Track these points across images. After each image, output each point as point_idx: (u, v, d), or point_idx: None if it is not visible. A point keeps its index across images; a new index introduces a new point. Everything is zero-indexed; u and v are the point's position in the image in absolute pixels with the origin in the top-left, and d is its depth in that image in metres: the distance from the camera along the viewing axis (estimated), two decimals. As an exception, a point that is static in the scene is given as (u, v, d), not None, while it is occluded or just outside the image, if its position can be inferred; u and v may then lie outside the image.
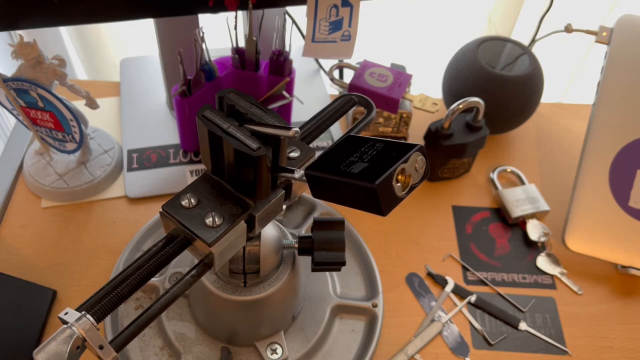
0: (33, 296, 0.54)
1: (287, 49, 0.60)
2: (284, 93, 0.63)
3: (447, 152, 0.64)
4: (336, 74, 0.71)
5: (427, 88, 0.69)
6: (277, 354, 0.50)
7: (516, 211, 0.64)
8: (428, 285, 0.59)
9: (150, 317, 0.34)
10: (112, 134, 0.69)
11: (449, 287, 0.59)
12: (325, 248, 0.46)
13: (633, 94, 0.60)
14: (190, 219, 0.36)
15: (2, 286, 0.54)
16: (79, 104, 0.61)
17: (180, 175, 0.65)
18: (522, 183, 0.68)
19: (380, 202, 0.30)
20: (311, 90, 0.77)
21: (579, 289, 0.60)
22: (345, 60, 0.65)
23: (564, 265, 0.62)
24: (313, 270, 0.47)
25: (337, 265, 0.46)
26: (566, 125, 0.76)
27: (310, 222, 0.60)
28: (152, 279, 0.38)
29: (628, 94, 0.60)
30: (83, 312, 0.32)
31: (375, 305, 0.55)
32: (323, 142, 0.70)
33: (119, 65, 0.78)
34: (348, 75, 0.64)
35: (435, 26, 1.05)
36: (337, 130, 0.72)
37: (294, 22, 0.75)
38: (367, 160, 0.32)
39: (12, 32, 0.79)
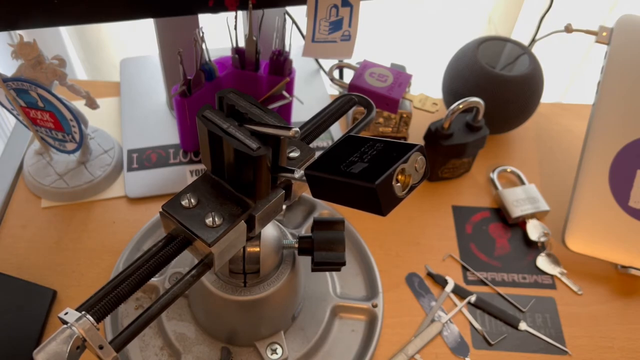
0: (33, 296, 0.54)
1: (287, 49, 0.60)
2: (284, 93, 0.63)
3: (447, 152, 0.64)
4: (336, 74, 0.71)
5: (427, 88, 0.69)
6: (277, 354, 0.50)
7: (516, 211, 0.64)
8: (428, 285, 0.59)
9: (150, 317, 0.34)
10: (112, 134, 0.69)
11: (449, 287, 0.59)
12: (325, 248, 0.46)
13: (633, 94, 0.60)
14: (190, 219, 0.36)
15: (2, 286, 0.54)
16: (79, 104, 0.61)
17: (180, 175, 0.65)
18: (522, 183, 0.68)
19: (380, 202, 0.30)
20: (311, 90, 0.77)
21: (579, 289, 0.60)
22: (345, 60, 0.65)
23: (564, 265, 0.62)
24: (313, 270, 0.47)
25: (337, 265, 0.46)
26: (566, 125, 0.76)
27: (310, 222, 0.60)
28: (152, 279, 0.38)
29: (628, 94, 0.60)
30: (83, 312, 0.32)
31: (375, 305, 0.55)
32: (323, 142, 0.70)
33: (119, 65, 0.78)
34: (348, 75, 0.64)
35: (435, 26, 1.05)
36: (337, 130, 0.72)
37: (294, 22, 0.75)
38: (367, 160, 0.32)
39: (12, 32, 0.79)
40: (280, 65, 0.61)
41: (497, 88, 0.65)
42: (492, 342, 0.55)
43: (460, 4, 1.03)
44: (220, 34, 0.63)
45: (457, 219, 0.65)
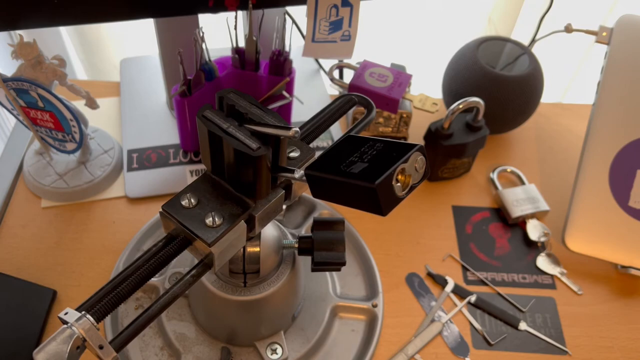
0: (33, 296, 0.54)
1: (287, 49, 0.60)
2: (284, 93, 0.63)
3: (447, 152, 0.64)
4: (336, 74, 0.71)
5: (427, 88, 0.69)
6: (277, 354, 0.50)
7: (516, 211, 0.64)
8: (428, 285, 0.59)
9: (150, 317, 0.34)
10: (112, 134, 0.69)
11: (449, 287, 0.59)
12: (325, 248, 0.46)
13: (633, 94, 0.60)
14: (190, 219, 0.36)
15: (2, 286, 0.54)
16: (79, 104, 0.61)
17: (180, 175, 0.65)
18: (522, 183, 0.68)
19: (380, 202, 0.30)
20: (311, 90, 0.77)
21: (579, 289, 0.60)
22: (345, 60, 0.65)
23: (564, 265, 0.62)
24: (313, 270, 0.47)
25: (337, 265, 0.46)
26: (566, 125, 0.76)
27: (310, 222, 0.60)
28: (152, 279, 0.38)
29: (628, 94, 0.60)
30: (83, 312, 0.32)
31: (375, 305, 0.55)
32: (323, 142, 0.70)
33: (119, 65, 0.78)
34: (348, 75, 0.64)
35: (435, 26, 1.05)
36: (337, 130, 0.72)
37: (294, 22, 0.75)
38: (367, 160, 0.32)
39: (12, 32, 0.79)
40: (280, 65, 0.61)
41: (497, 88, 0.65)
42: (492, 342, 0.55)
43: (460, 4, 1.03)
44: (220, 34, 0.63)
45: (457, 219, 0.65)
